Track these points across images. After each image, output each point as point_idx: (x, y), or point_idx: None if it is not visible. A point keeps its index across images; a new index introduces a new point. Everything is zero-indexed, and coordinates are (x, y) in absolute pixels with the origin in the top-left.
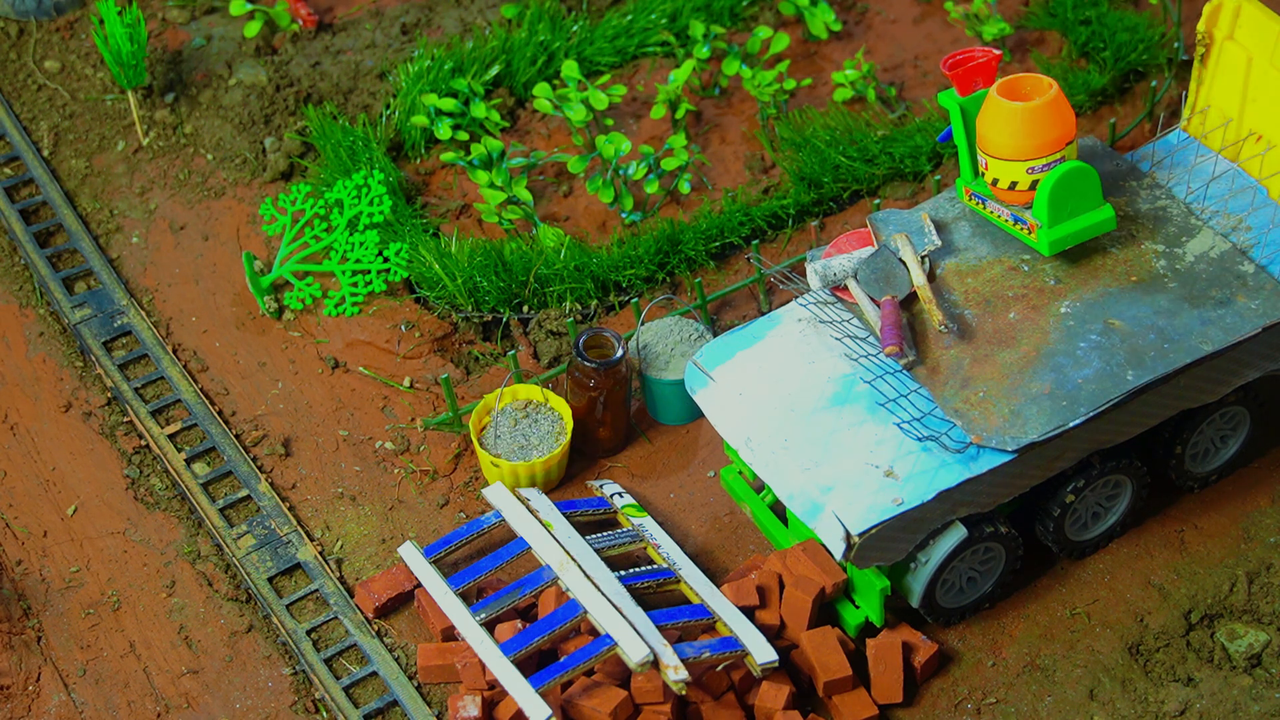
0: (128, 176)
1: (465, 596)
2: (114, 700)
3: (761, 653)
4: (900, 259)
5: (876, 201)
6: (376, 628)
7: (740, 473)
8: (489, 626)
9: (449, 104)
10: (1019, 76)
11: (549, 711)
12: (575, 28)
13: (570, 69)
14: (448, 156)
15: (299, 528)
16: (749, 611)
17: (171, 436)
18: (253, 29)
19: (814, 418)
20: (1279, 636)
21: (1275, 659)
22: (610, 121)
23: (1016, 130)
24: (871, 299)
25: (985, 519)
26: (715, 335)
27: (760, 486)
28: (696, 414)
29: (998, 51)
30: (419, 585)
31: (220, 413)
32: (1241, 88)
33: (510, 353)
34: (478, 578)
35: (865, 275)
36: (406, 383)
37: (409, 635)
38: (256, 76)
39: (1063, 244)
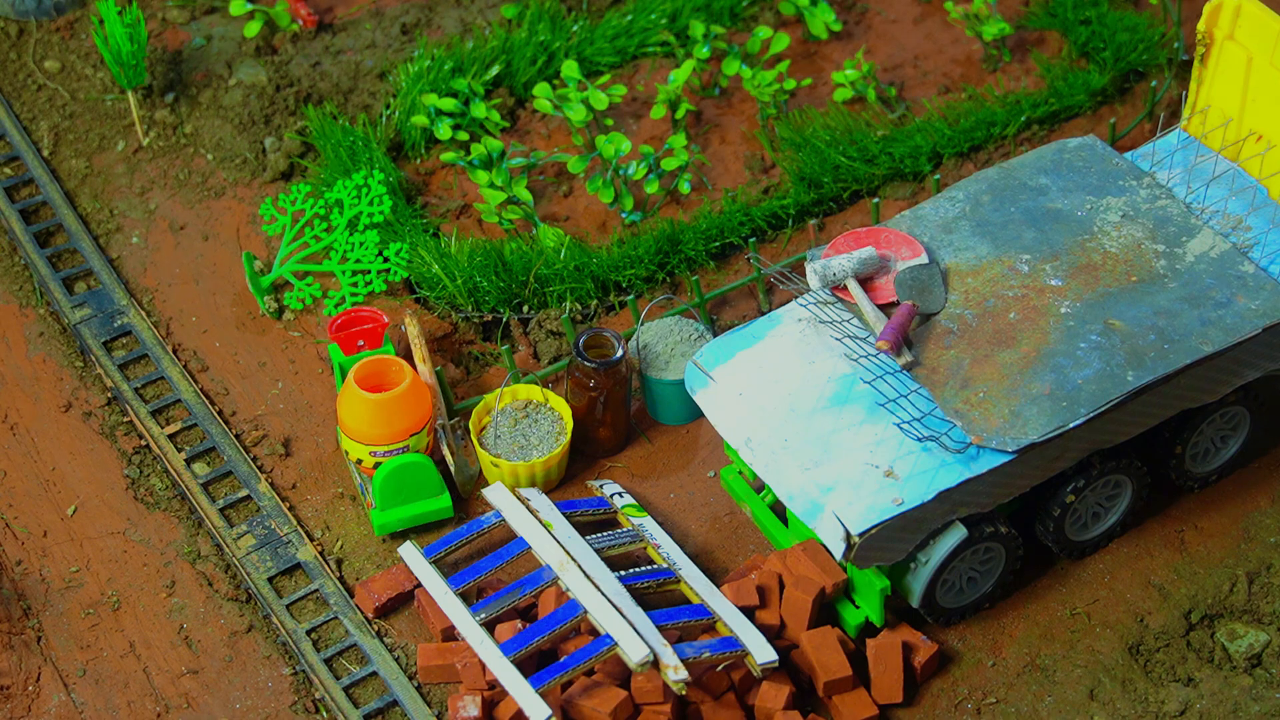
0: (128, 176)
1: (465, 596)
2: (114, 700)
3: (761, 653)
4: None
5: (876, 200)
6: (376, 628)
7: (740, 473)
8: (489, 626)
9: (449, 104)
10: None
11: (549, 711)
12: (575, 28)
13: (570, 69)
14: (448, 156)
15: (299, 528)
16: (749, 611)
17: (171, 436)
18: (253, 29)
19: (814, 418)
20: (1279, 636)
21: (1275, 659)
22: (610, 121)
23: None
24: (877, 300)
25: (985, 519)
26: (715, 335)
27: (760, 486)
28: (696, 414)
29: (386, 320)
30: (419, 585)
31: (220, 413)
32: (1241, 88)
33: (504, 348)
34: (478, 578)
35: (904, 278)
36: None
37: (409, 635)
38: (256, 76)
39: (390, 528)
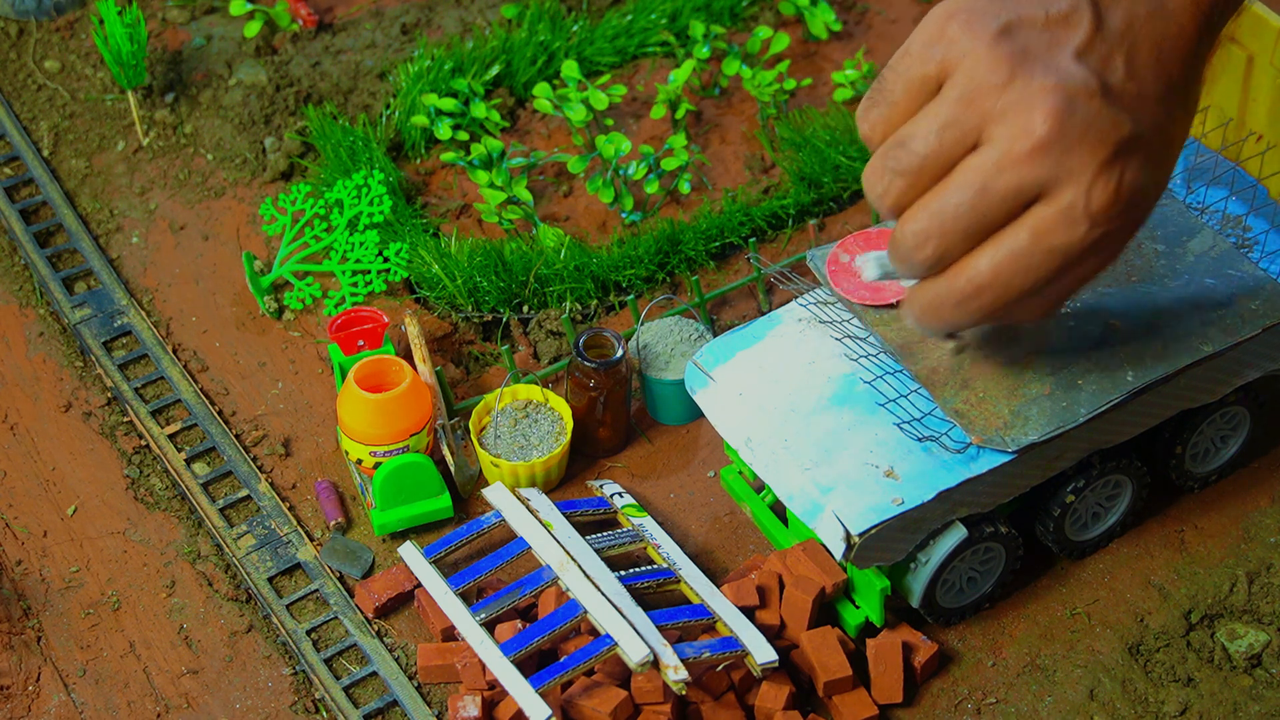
0: (128, 176)
1: (465, 596)
2: (114, 700)
3: (761, 653)
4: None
5: None
6: (376, 628)
7: (740, 473)
8: (489, 626)
9: (449, 104)
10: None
11: (549, 711)
12: (575, 28)
13: (570, 69)
14: (448, 156)
15: (299, 528)
16: (749, 611)
17: (171, 436)
18: (253, 29)
19: (814, 418)
20: (1279, 636)
21: (1275, 659)
22: (610, 121)
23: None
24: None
25: (985, 519)
26: (715, 335)
27: (760, 486)
28: (696, 414)
29: (386, 320)
30: (419, 585)
31: (220, 413)
32: (1241, 88)
33: (505, 348)
34: (478, 578)
35: None
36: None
37: (409, 635)
38: (256, 76)
39: (390, 528)
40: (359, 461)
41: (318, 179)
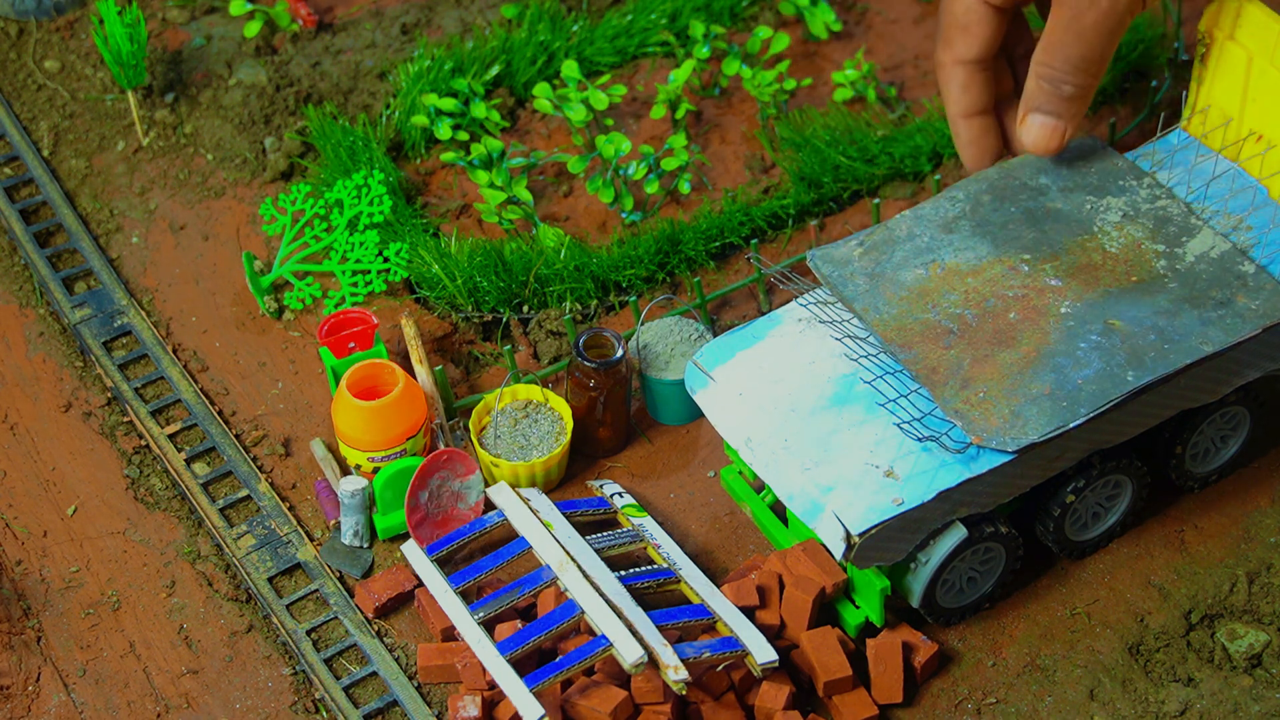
0: (128, 176)
1: (465, 596)
2: (114, 700)
3: (761, 653)
4: None
5: (876, 200)
6: (376, 628)
7: (740, 473)
8: (487, 626)
9: (449, 104)
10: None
11: (542, 711)
12: (575, 28)
13: (570, 69)
14: (448, 156)
15: (299, 528)
16: (749, 611)
17: (171, 436)
18: (253, 29)
19: (814, 418)
20: (1279, 636)
21: (1275, 659)
22: (610, 121)
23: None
24: None
25: (985, 519)
26: (715, 335)
27: (760, 486)
28: (696, 414)
29: (376, 321)
30: (419, 585)
31: (220, 413)
32: (1241, 88)
33: (506, 348)
34: (478, 577)
35: None
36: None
37: (409, 635)
38: (256, 76)
39: (393, 531)
40: (358, 466)
41: (318, 179)
